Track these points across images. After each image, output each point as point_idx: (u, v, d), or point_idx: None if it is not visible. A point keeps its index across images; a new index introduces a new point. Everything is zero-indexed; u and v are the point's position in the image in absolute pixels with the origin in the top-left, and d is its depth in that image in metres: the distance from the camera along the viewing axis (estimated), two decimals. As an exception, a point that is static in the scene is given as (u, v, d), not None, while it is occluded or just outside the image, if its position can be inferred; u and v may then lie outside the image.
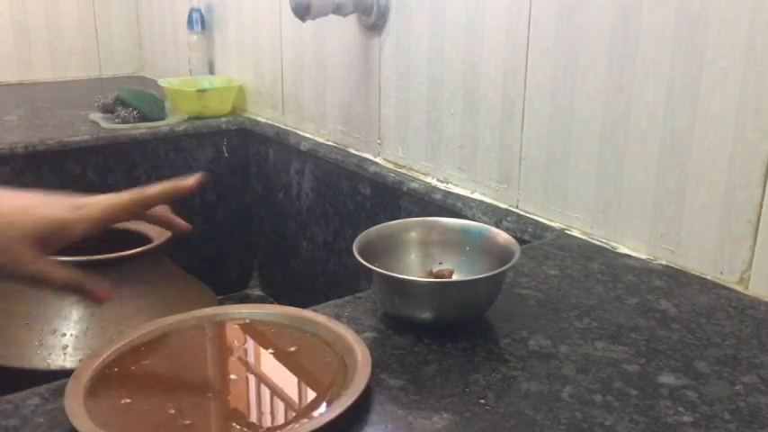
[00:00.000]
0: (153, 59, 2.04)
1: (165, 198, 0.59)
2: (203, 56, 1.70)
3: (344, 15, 1.15)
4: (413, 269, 0.70)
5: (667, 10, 0.75)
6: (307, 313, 0.62)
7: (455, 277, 0.69)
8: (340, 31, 1.24)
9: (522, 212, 0.96)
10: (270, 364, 0.58)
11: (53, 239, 0.56)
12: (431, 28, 1.05)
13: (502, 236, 0.69)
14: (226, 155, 1.56)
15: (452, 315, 0.64)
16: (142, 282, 0.99)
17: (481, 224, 0.73)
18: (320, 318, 0.61)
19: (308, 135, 1.39)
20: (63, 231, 0.56)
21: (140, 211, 0.60)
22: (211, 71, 1.72)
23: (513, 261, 0.63)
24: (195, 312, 0.63)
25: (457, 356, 0.60)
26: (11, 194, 0.57)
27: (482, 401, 0.53)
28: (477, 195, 1.03)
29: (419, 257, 0.71)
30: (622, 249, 0.84)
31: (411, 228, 0.73)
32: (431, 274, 0.70)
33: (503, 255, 0.66)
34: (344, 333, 0.58)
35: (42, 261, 0.55)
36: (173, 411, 0.50)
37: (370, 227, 0.70)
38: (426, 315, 0.63)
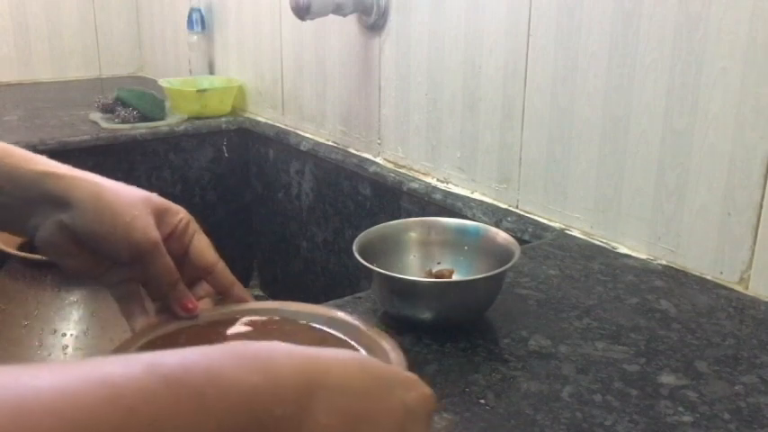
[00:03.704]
0: (153, 59, 2.05)
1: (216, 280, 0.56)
2: (203, 56, 1.70)
3: (344, 15, 1.15)
4: (413, 269, 0.70)
5: (667, 10, 0.75)
6: (340, 315, 0.57)
7: (455, 277, 0.69)
8: (340, 31, 1.24)
9: (522, 212, 0.96)
10: None
11: (162, 217, 0.53)
12: (431, 28, 1.05)
13: (501, 236, 0.69)
14: (226, 155, 1.56)
15: (452, 315, 0.64)
16: (142, 282, 0.99)
17: (480, 224, 0.73)
18: (355, 321, 0.55)
19: (308, 135, 1.39)
20: (169, 214, 0.53)
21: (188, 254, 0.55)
22: (211, 71, 1.72)
23: (513, 261, 0.63)
24: (222, 308, 0.58)
25: (457, 356, 0.60)
26: None
27: (482, 401, 0.53)
28: (477, 195, 1.03)
29: (419, 257, 0.71)
30: (622, 249, 0.84)
31: (411, 228, 0.73)
32: (430, 274, 0.70)
33: (503, 255, 0.66)
34: (378, 339, 0.52)
35: (159, 234, 0.52)
36: None
37: (370, 227, 0.70)
38: (426, 315, 0.63)
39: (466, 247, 0.71)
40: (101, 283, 0.55)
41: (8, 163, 0.50)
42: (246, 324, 0.55)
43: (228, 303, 0.57)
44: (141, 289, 0.55)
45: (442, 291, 0.63)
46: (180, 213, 0.54)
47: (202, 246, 0.55)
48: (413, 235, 0.72)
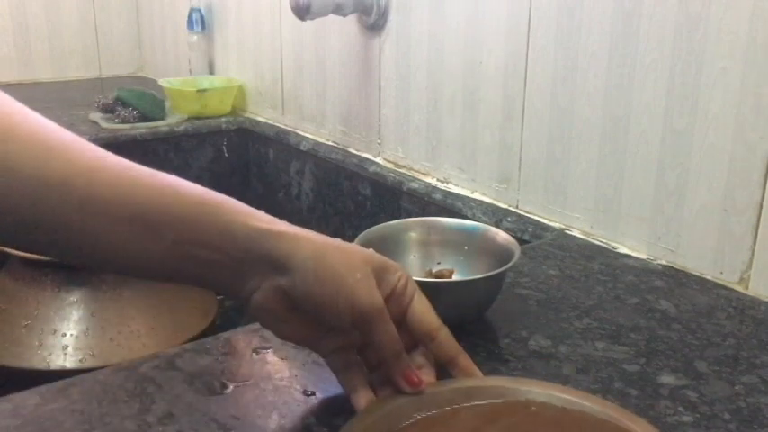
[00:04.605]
0: (153, 59, 2.05)
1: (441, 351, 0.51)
2: (203, 56, 1.70)
3: (344, 15, 1.15)
4: (413, 269, 0.70)
5: (667, 10, 0.75)
6: (587, 396, 0.49)
7: (455, 277, 0.69)
8: (340, 31, 1.24)
9: (522, 212, 0.96)
10: None
11: (382, 276, 0.48)
12: (431, 28, 1.05)
13: (501, 236, 0.69)
14: (226, 155, 1.56)
15: (452, 315, 0.64)
16: (142, 282, 0.99)
17: (481, 224, 0.73)
18: (611, 410, 0.47)
19: (308, 135, 1.39)
20: (389, 272, 0.49)
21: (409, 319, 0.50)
22: (211, 71, 1.72)
23: (514, 261, 0.63)
24: (451, 383, 0.50)
25: (457, 356, 0.59)
26: None
27: (482, 401, 0.53)
28: (477, 195, 1.03)
29: (419, 257, 0.71)
30: (622, 249, 0.84)
31: (411, 228, 0.73)
32: (430, 274, 0.70)
33: (503, 254, 0.66)
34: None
35: (381, 296, 0.47)
36: None
37: (370, 227, 0.70)
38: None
39: (466, 247, 0.71)
40: (314, 350, 0.51)
41: (223, 218, 0.46)
42: (492, 410, 0.48)
43: (456, 377, 0.51)
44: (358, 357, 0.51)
45: (441, 291, 0.63)
46: (398, 271, 0.50)
47: (424, 308, 0.50)
48: (413, 235, 0.72)
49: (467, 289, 0.63)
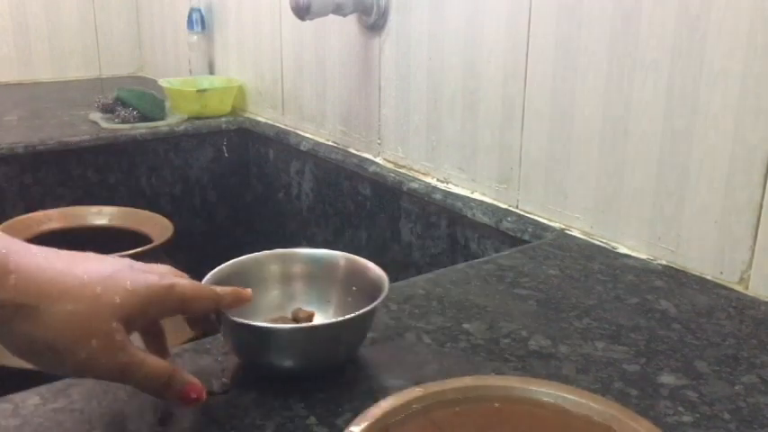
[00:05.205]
0: (153, 59, 2.05)
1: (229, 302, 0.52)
2: (203, 56, 1.70)
3: (344, 15, 1.15)
4: (275, 308, 0.62)
5: (667, 10, 0.75)
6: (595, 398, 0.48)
7: (316, 319, 0.61)
8: (340, 31, 1.24)
9: (522, 212, 0.96)
10: None
11: (141, 315, 0.46)
12: (431, 28, 1.05)
13: (371, 267, 0.61)
14: (226, 155, 1.56)
15: (312, 362, 0.56)
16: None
17: (348, 255, 0.64)
18: (612, 409, 0.47)
19: (308, 135, 1.39)
20: (154, 304, 0.47)
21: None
22: (211, 71, 1.72)
23: (379, 301, 0.55)
24: (488, 380, 0.49)
25: (457, 356, 0.60)
26: (78, 256, 0.46)
27: (482, 401, 0.53)
28: (477, 195, 1.03)
29: (281, 294, 0.64)
30: (622, 249, 0.84)
31: (270, 261, 0.64)
32: (289, 319, 0.62)
33: (372, 286, 0.58)
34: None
35: (132, 347, 0.46)
36: None
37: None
38: (288, 363, 0.56)
39: (338, 281, 0.63)
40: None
41: None
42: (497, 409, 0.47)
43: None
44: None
45: (300, 337, 0.55)
46: (168, 299, 0.48)
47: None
48: (273, 268, 0.64)
49: (324, 333, 0.56)
